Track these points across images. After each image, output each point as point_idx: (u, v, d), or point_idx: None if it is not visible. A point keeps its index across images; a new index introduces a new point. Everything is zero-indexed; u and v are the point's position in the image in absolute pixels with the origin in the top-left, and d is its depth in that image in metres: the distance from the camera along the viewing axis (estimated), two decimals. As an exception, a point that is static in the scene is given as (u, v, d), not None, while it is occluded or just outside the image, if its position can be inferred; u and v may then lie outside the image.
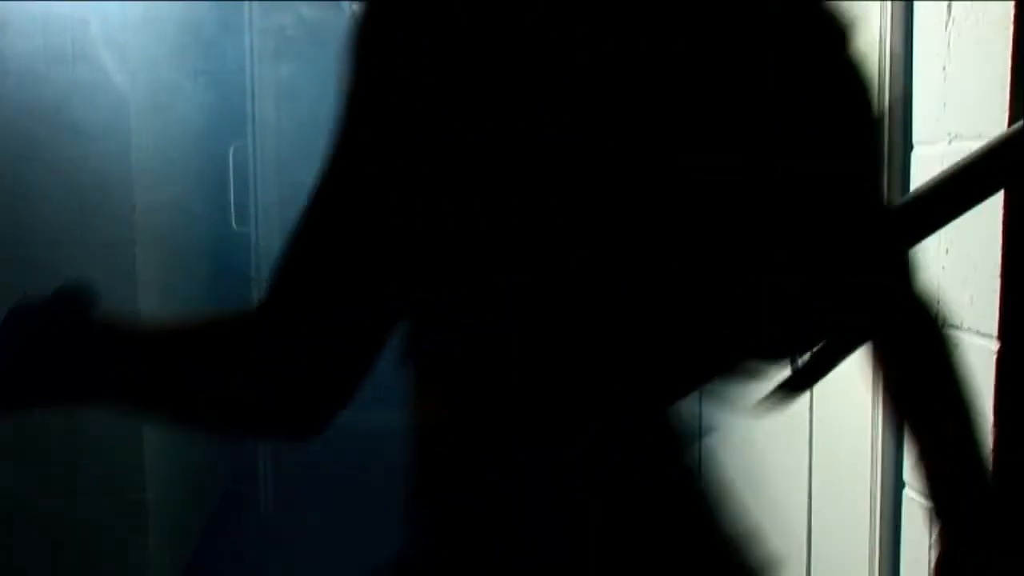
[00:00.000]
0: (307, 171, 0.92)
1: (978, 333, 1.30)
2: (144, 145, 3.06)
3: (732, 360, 0.95)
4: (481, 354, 0.86)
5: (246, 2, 4.08)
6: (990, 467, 1.03)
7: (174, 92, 3.48)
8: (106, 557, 2.92)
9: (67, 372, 0.87)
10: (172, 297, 3.36)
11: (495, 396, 0.86)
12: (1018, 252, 1.24)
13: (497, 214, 0.82)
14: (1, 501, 2.65)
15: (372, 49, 0.84)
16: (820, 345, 1.01)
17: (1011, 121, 1.22)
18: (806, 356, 1.00)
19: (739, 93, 0.83)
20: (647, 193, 0.82)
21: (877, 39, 1.71)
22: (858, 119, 0.91)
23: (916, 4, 1.51)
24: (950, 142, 1.38)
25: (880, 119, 0.96)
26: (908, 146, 1.58)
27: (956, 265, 1.36)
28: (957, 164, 1.01)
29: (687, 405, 0.98)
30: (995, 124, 1.25)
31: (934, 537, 1.04)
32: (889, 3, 1.67)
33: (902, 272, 1.02)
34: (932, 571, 1.04)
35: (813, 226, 0.90)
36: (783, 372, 1.00)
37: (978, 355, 1.30)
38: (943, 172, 1.01)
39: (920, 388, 1.09)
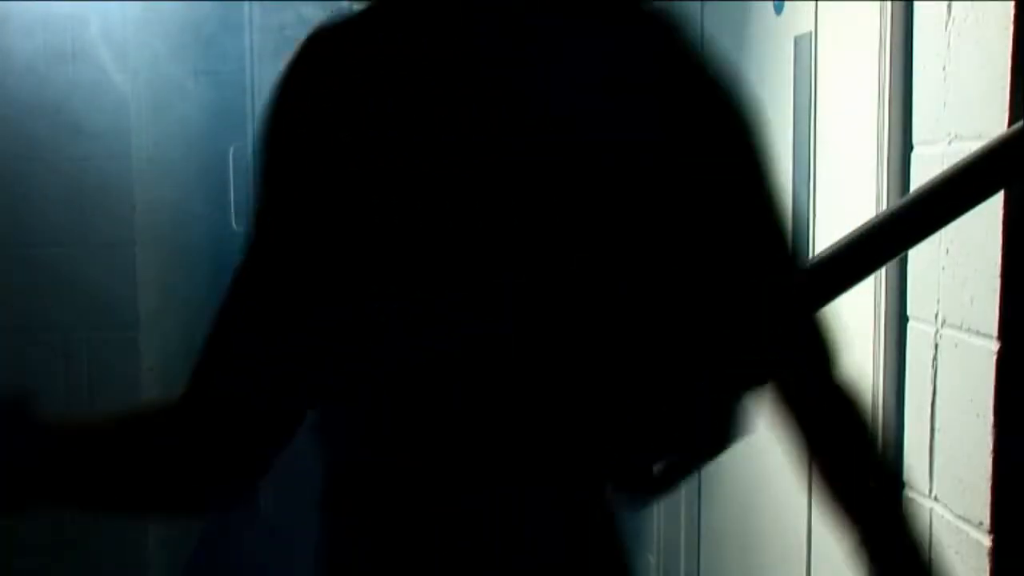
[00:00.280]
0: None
1: (978, 333, 1.30)
2: (144, 145, 3.06)
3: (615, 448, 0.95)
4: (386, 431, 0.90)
5: (246, 2, 4.08)
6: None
7: (174, 92, 3.48)
8: (106, 557, 2.92)
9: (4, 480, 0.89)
10: (172, 297, 3.36)
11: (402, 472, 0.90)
12: (1018, 252, 1.24)
13: (404, 283, 0.86)
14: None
15: (283, 134, 0.88)
16: (674, 458, 1.00)
17: (1011, 121, 1.22)
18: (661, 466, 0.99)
19: (624, 158, 0.87)
20: (540, 262, 0.86)
21: (877, 39, 1.71)
22: (748, 191, 0.95)
23: (916, 4, 1.51)
24: (950, 142, 1.38)
25: (772, 191, 0.97)
26: (908, 146, 1.58)
27: (956, 265, 1.36)
28: (957, 164, 1.01)
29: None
30: (995, 124, 1.25)
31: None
32: (889, 3, 1.66)
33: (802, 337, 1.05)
34: None
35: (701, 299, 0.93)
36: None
37: (978, 355, 1.30)
38: (943, 172, 1.01)
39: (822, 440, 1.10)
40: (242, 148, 4.00)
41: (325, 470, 0.94)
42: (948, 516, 1.39)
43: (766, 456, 2.39)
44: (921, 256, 1.45)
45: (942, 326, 1.40)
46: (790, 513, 2.22)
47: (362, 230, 0.86)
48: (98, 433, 0.93)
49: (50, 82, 2.96)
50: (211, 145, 3.94)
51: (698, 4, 2.79)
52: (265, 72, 4.33)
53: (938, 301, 1.41)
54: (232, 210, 3.85)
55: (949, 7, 1.37)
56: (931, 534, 1.44)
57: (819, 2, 2.03)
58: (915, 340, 1.50)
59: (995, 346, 1.26)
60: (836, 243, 1.07)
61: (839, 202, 1.96)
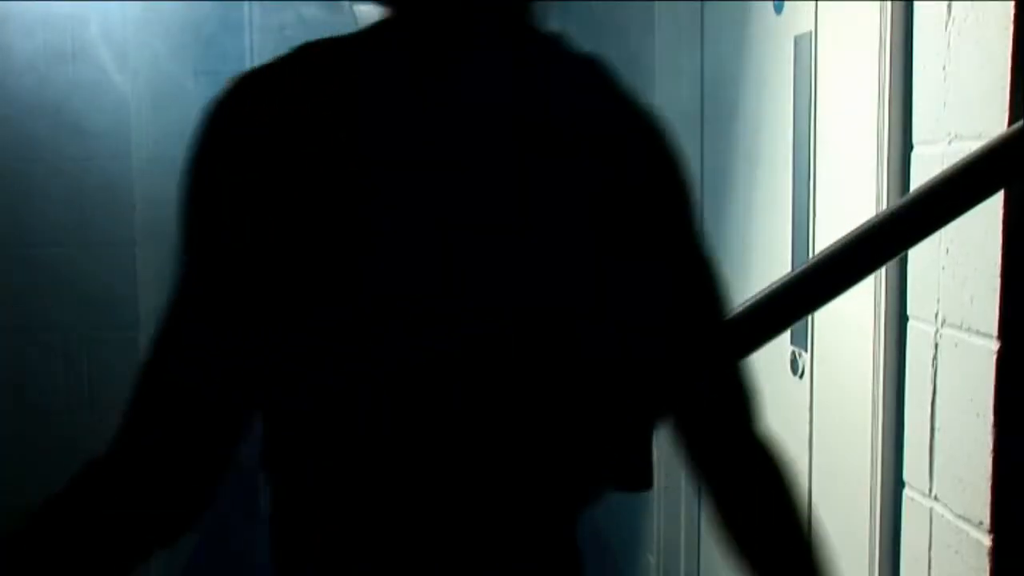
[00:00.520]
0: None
1: (978, 333, 1.30)
2: (144, 144, 3.06)
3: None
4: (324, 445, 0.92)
5: (246, 2, 4.08)
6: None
7: (174, 92, 3.48)
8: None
9: None
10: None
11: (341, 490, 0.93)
12: (1018, 252, 1.24)
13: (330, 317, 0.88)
14: (1, 500, 2.65)
15: (205, 182, 0.92)
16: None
17: (1011, 121, 1.22)
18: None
19: (551, 193, 0.91)
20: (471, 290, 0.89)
21: (877, 39, 1.71)
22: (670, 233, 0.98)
23: (916, 4, 1.51)
24: (950, 142, 1.38)
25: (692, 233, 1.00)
26: (908, 146, 1.58)
27: (956, 265, 1.36)
28: (957, 164, 1.01)
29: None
30: (995, 124, 1.25)
31: None
32: (889, 3, 1.67)
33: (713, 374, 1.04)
34: None
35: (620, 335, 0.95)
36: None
37: (978, 355, 1.30)
38: (943, 172, 1.02)
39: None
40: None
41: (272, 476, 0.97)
42: (948, 516, 1.39)
43: (766, 456, 2.39)
44: (921, 256, 1.46)
45: (942, 326, 1.40)
46: (790, 513, 2.23)
47: (283, 258, 0.89)
48: (45, 517, 0.94)
49: (50, 82, 2.96)
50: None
51: (698, 4, 2.79)
52: (265, 72, 4.32)
53: (938, 301, 1.41)
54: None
55: (949, 7, 1.37)
56: (931, 534, 1.44)
57: (819, 2, 2.03)
58: (915, 340, 1.50)
59: (995, 346, 1.26)
60: (836, 243, 1.07)
61: (839, 202, 1.96)
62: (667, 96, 2.88)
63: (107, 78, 2.92)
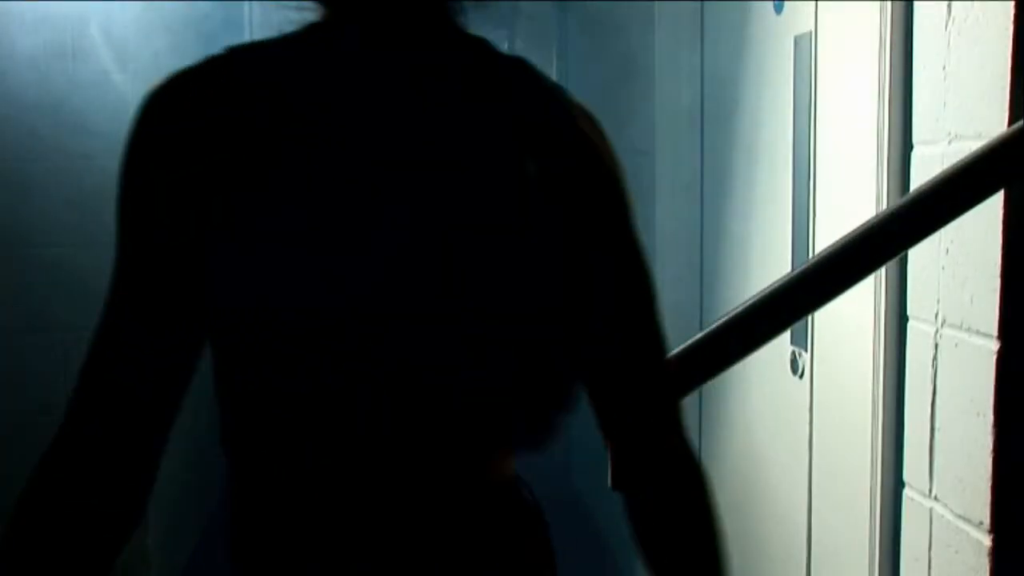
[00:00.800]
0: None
1: (978, 333, 1.30)
2: (144, 144, 3.06)
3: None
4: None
5: (246, 2, 4.08)
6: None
7: (174, 91, 3.47)
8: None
9: None
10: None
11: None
12: (1018, 252, 1.24)
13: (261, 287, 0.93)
14: (1, 500, 2.65)
15: (136, 178, 0.96)
16: None
17: (1011, 121, 1.22)
18: None
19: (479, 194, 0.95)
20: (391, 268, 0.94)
21: (877, 39, 1.71)
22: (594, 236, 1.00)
23: (916, 4, 1.51)
24: (950, 142, 1.38)
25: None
26: (908, 146, 1.58)
27: (956, 265, 1.36)
28: (957, 164, 1.01)
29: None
30: (995, 124, 1.25)
31: None
32: (889, 3, 1.67)
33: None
34: None
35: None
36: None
37: (978, 355, 1.30)
38: (943, 172, 1.02)
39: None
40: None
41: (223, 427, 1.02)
42: (948, 516, 1.39)
43: (766, 456, 2.39)
44: (921, 256, 1.46)
45: (942, 326, 1.40)
46: (790, 513, 2.23)
47: (205, 253, 0.94)
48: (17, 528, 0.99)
49: (50, 81, 2.96)
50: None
51: (698, 4, 2.79)
52: (265, 72, 4.32)
53: (938, 301, 1.41)
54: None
55: (949, 7, 1.37)
56: (931, 534, 1.44)
57: (819, 2, 2.03)
58: (915, 340, 1.50)
59: (995, 346, 1.26)
60: (836, 243, 1.07)
61: (839, 202, 1.96)
62: (667, 96, 2.89)
63: (107, 78, 2.92)
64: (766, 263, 2.36)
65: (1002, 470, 1.27)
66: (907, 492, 1.53)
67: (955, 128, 1.37)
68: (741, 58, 2.50)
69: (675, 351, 1.13)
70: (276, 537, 1.02)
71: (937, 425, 1.43)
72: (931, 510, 1.44)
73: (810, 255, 2.05)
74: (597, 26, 3.83)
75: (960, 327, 1.35)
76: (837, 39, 1.96)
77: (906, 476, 1.54)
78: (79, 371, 0.98)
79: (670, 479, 1.07)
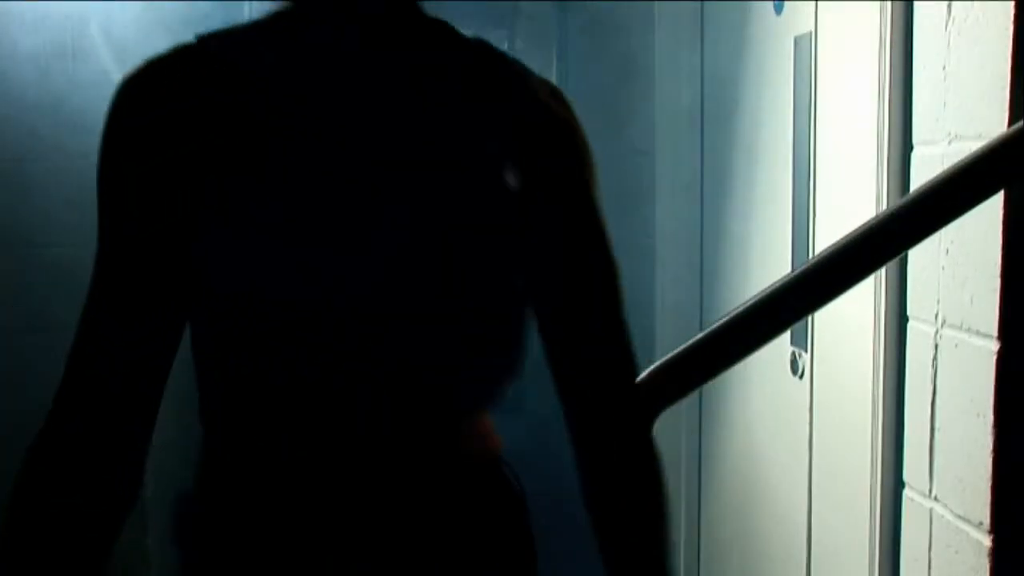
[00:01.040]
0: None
1: (978, 333, 1.30)
2: (144, 144, 3.06)
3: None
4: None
5: (246, 1, 4.08)
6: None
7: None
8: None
9: None
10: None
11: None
12: (1018, 252, 1.24)
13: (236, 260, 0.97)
14: (1, 500, 2.64)
15: (112, 163, 0.99)
16: None
17: (1011, 121, 1.22)
18: None
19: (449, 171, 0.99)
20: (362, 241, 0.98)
21: (877, 39, 1.71)
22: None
23: (916, 4, 1.51)
24: (950, 142, 1.38)
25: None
26: (908, 146, 1.58)
27: (956, 265, 1.36)
28: (957, 164, 1.01)
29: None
30: (995, 124, 1.25)
31: None
32: (889, 3, 1.67)
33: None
34: None
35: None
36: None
37: (978, 355, 1.30)
38: (943, 172, 1.01)
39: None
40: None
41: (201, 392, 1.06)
42: (948, 516, 1.39)
43: (766, 456, 2.39)
44: (921, 256, 1.46)
45: (942, 326, 1.40)
46: (790, 513, 2.23)
47: (180, 234, 0.97)
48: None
49: (51, 80, 2.95)
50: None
51: (698, 4, 2.79)
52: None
53: (938, 301, 1.41)
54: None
55: (949, 7, 1.37)
56: (931, 534, 1.44)
57: (819, 2, 2.03)
58: (915, 340, 1.50)
59: (995, 346, 1.26)
60: (836, 243, 1.07)
61: (839, 202, 1.96)
62: (667, 96, 2.89)
63: (107, 77, 2.92)
64: (766, 263, 2.36)
65: (1002, 470, 1.27)
66: (907, 492, 1.53)
67: (955, 128, 1.37)
68: (741, 58, 2.50)
69: (675, 351, 1.13)
70: (244, 507, 1.04)
71: (937, 425, 1.43)
72: (931, 510, 1.44)
73: (810, 255, 2.05)
74: (597, 26, 3.83)
75: (960, 327, 1.35)
76: (837, 39, 1.96)
77: (906, 476, 1.54)
78: (66, 358, 1.00)
79: (622, 459, 1.10)
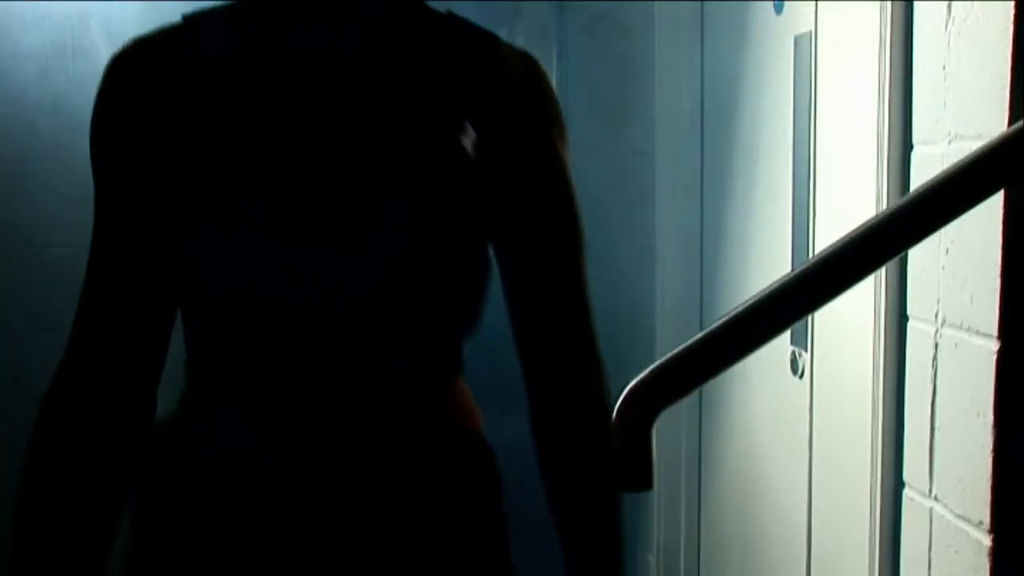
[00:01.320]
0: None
1: (978, 333, 1.30)
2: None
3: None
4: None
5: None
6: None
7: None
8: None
9: None
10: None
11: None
12: (1018, 252, 1.24)
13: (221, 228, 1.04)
14: (2, 500, 2.65)
15: (104, 129, 1.07)
16: None
17: (1011, 121, 1.22)
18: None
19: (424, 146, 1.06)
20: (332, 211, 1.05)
21: (877, 39, 1.71)
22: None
23: (916, 4, 1.51)
24: (950, 142, 1.38)
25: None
26: (908, 146, 1.58)
27: (956, 265, 1.36)
28: (957, 164, 1.01)
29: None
30: (995, 124, 1.25)
31: None
32: (889, 3, 1.66)
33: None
34: None
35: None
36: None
37: (978, 355, 1.30)
38: (943, 172, 1.01)
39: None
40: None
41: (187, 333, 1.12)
42: (948, 516, 1.39)
43: (766, 456, 2.39)
44: (921, 256, 1.46)
45: (942, 326, 1.40)
46: (790, 513, 2.23)
47: (185, 202, 1.03)
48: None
49: (51, 79, 2.96)
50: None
51: (698, 4, 2.79)
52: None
53: (938, 301, 1.41)
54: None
55: (949, 7, 1.37)
56: (931, 534, 1.44)
57: (819, 2, 2.03)
58: (915, 340, 1.50)
59: (995, 346, 1.26)
60: (836, 243, 1.07)
61: (839, 202, 1.96)
62: (667, 96, 2.88)
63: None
64: (766, 263, 2.36)
65: (1002, 470, 1.27)
66: (907, 492, 1.53)
67: (955, 128, 1.37)
68: (741, 58, 2.50)
69: (675, 351, 1.13)
70: (222, 468, 1.08)
71: (937, 425, 1.43)
72: (931, 510, 1.44)
73: (810, 255, 2.05)
74: (597, 26, 3.83)
75: (960, 327, 1.35)
76: (837, 39, 1.96)
77: (906, 476, 1.54)
78: (78, 302, 1.08)
79: (574, 415, 1.14)
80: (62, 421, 1.06)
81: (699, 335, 1.12)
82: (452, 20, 1.11)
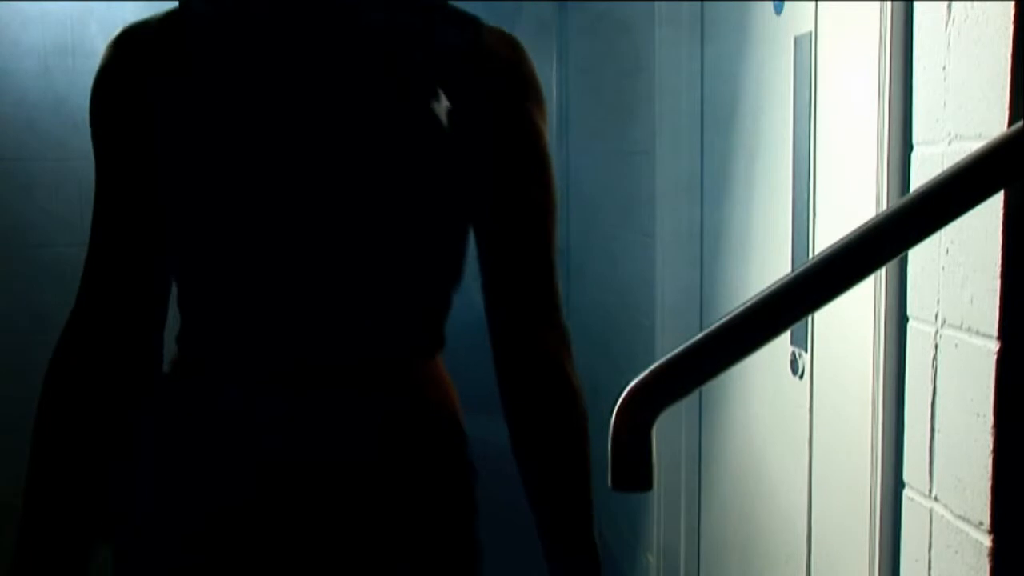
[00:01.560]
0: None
1: (978, 333, 1.30)
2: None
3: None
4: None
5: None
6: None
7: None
8: (107, 556, 2.91)
9: None
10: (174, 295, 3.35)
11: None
12: (1018, 252, 1.24)
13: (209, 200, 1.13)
14: (0, 498, 2.65)
15: (104, 103, 1.16)
16: None
17: (1011, 121, 1.22)
18: None
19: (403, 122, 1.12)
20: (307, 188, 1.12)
21: (877, 39, 1.71)
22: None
23: (916, 4, 1.51)
24: (950, 142, 1.38)
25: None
26: (908, 146, 1.58)
27: (956, 265, 1.36)
28: (957, 164, 1.01)
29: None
30: (995, 124, 1.25)
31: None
32: (889, 3, 1.67)
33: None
34: None
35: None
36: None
37: (978, 355, 1.30)
38: (943, 172, 1.01)
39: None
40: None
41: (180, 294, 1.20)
42: (948, 516, 1.39)
43: (766, 456, 2.39)
44: (921, 256, 1.46)
45: (942, 326, 1.40)
46: (790, 513, 2.23)
47: (176, 169, 1.13)
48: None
49: (52, 78, 2.95)
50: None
51: (698, 4, 2.79)
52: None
53: (938, 301, 1.41)
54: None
55: (949, 7, 1.37)
56: (931, 534, 1.44)
57: (819, 2, 2.03)
58: (915, 340, 1.50)
59: (995, 346, 1.26)
60: (836, 243, 1.07)
61: (839, 202, 1.96)
62: (667, 96, 2.89)
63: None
64: (766, 263, 2.36)
65: (1002, 470, 1.27)
66: (907, 492, 1.53)
67: (955, 128, 1.37)
68: (741, 58, 2.50)
69: (675, 351, 1.13)
70: (198, 424, 1.15)
71: (937, 425, 1.43)
72: (931, 510, 1.44)
73: (810, 255, 2.05)
74: (597, 26, 3.83)
75: (960, 327, 1.35)
76: (837, 39, 1.96)
77: (906, 476, 1.54)
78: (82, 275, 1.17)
79: (539, 386, 1.17)
80: (73, 368, 1.13)
81: (699, 335, 1.12)
82: (435, 3, 1.17)
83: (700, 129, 2.83)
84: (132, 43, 1.16)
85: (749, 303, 1.09)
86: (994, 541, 1.27)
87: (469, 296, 1.25)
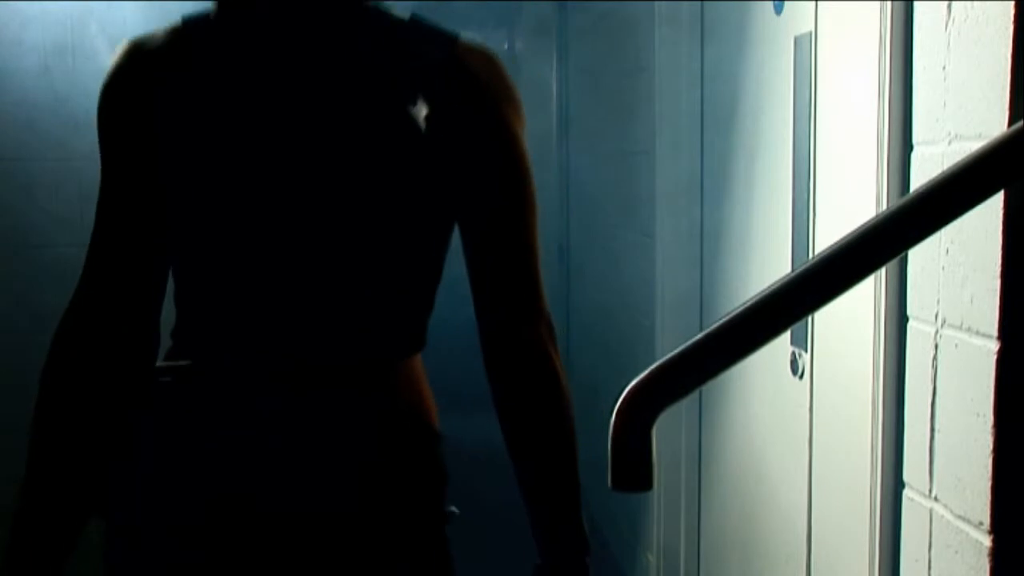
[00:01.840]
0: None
1: (978, 333, 1.30)
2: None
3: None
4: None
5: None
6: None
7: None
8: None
9: None
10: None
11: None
12: (1018, 252, 1.24)
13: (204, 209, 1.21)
14: (0, 498, 2.64)
15: (111, 110, 1.23)
16: None
17: (1011, 121, 1.22)
18: None
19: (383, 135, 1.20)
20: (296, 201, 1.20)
21: (877, 39, 1.71)
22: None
23: (916, 4, 1.51)
24: (950, 142, 1.38)
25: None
26: (908, 146, 1.58)
27: (956, 265, 1.36)
28: (957, 164, 1.01)
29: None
30: (995, 124, 1.25)
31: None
32: (889, 3, 1.67)
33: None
34: None
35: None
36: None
37: (978, 355, 1.30)
38: (943, 172, 1.01)
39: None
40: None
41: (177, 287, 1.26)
42: (948, 516, 1.39)
43: (766, 456, 2.39)
44: (921, 256, 1.46)
45: (942, 326, 1.40)
46: (790, 513, 2.23)
47: (175, 173, 1.20)
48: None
49: (52, 78, 2.96)
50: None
51: (698, 4, 2.79)
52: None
53: (938, 301, 1.41)
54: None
55: (949, 7, 1.37)
56: (931, 534, 1.44)
57: (819, 2, 2.03)
58: (915, 340, 1.50)
59: (995, 346, 1.26)
60: (836, 243, 1.07)
61: (839, 202, 1.96)
62: (667, 96, 2.89)
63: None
64: (766, 263, 2.36)
65: (1002, 470, 1.27)
66: (907, 492, 1.53)
67: (955, 128, 1.37)
68: (741, 58, 2.50)
69: (675, 351, 1.13)
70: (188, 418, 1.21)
71: (937, 425, 1.43)
72: (931, 510, 1.44)
73: (810, 255, 2.05)
74: (597, 26, 3.83)
75: (960, 327, 1.35)
76: (837, 39, 1.96)
77: (906, 476, 1.54)
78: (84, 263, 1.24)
79: (525, 374, 1.24)
80: (70, 350, 1.19)
81: (699, 335, 1.12)
82: (413, 21, 1.26)
83: (700, 129, 2.83)
84: (142, 53, 1.23)
85: (749, 303, 1.09)
86: (994, 541, 1.27)
87: (464, 296, 1.27)
